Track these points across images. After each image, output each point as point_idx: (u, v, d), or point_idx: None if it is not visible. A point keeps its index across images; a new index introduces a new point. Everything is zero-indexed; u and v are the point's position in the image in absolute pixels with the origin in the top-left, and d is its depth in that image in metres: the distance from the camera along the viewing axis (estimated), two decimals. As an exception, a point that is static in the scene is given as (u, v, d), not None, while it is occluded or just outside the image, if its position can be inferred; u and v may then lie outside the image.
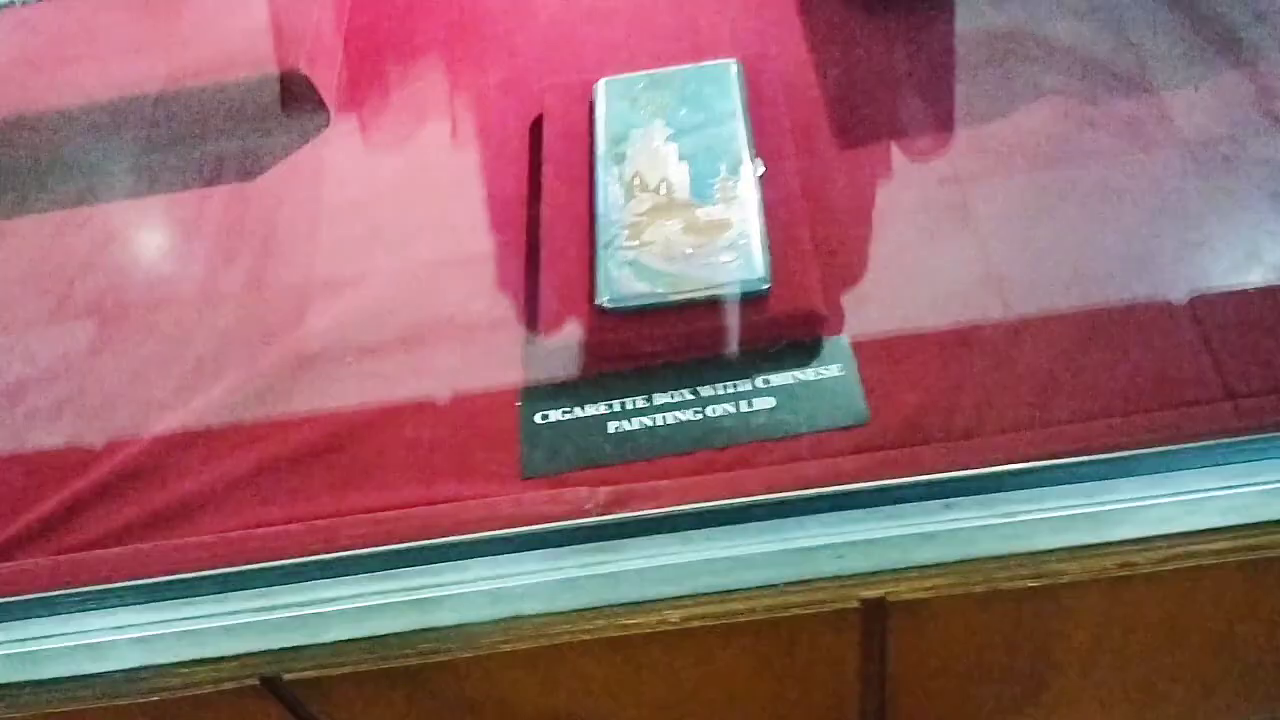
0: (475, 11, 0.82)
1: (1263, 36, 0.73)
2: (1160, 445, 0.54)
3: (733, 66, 0.71)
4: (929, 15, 0.76)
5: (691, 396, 0.58)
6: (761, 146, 0.68)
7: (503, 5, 0.82)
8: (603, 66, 0.74)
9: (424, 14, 0.82)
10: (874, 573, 0.54)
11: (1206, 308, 0.59)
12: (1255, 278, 0.61)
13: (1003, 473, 0.54)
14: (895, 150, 0.69)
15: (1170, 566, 0.54)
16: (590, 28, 0.79)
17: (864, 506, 0.53)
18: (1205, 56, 0.71)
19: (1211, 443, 0.53)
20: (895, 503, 0.54)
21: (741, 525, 0.53)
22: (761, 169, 0.66)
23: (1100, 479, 0.53)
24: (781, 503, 0.53)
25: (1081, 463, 0.54)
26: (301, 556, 0.51)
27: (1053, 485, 0.54)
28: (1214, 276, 0.62)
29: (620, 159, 0.67)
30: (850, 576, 0.54)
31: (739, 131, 0.67)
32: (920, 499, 0.53)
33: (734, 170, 0.65)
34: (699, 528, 0.53)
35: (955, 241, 0.64)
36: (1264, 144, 0.68)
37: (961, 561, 0.54)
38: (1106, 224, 0.65)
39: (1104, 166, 0.67)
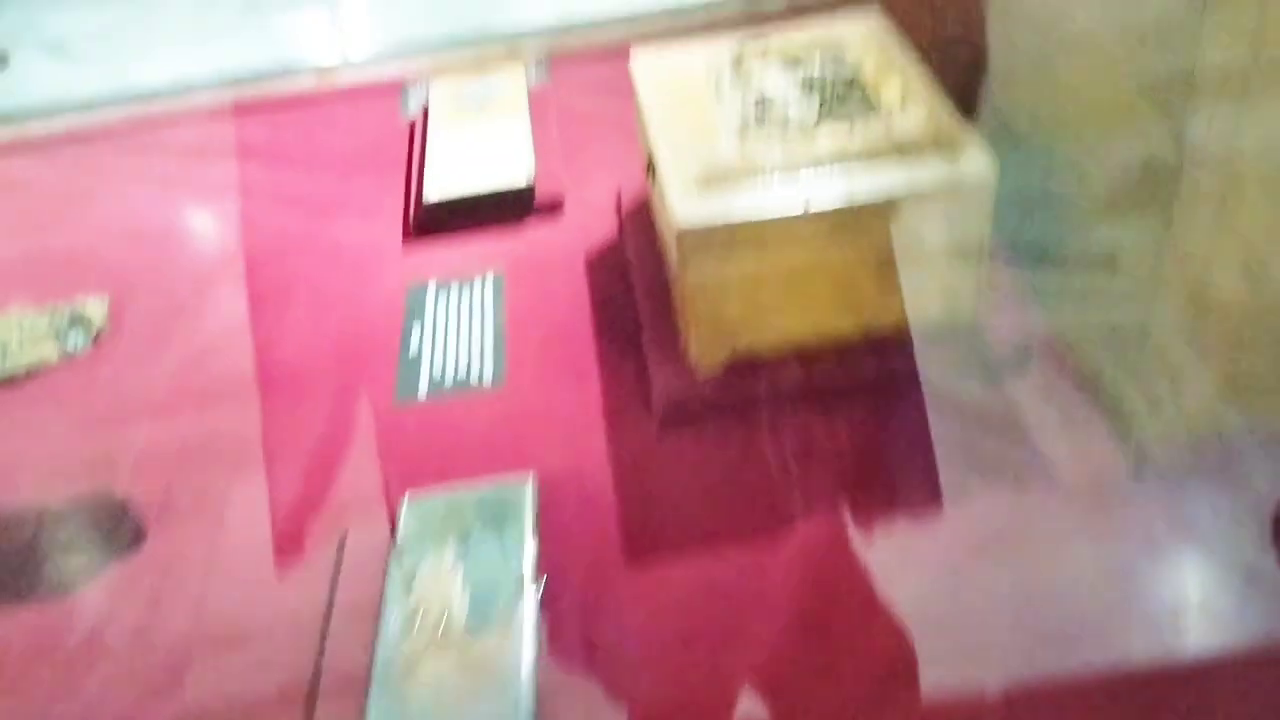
0: (294, 423, 0.86)
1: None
2: None
3: (529, 483, 0.75)
4: (730, 429, 0.80)
5: None
6: (550, 565, 0.70)
7: (318, 418, 0.86)
8: (412, 479, 0.78)
9: (252, 426, 0.87)
10: None
11: None
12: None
13: None
14: (684, 563, 0.72)
15: None
16: (407, 441, 0.83)
17: None
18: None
19: None
20: None
21: None
22: (542, 589, 0.68)
23: None
24: None
25: None
26: None
27: None
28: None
29: (408, 585, 0.69)
30: None
31: (526, 553, 0.70)
32: None
33: (516, 596, 0.67)
34: None
35: (733, 657, 0.66)
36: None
37: None
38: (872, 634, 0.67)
39: (871, 589, 0.70)
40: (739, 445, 0.79)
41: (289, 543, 0.76)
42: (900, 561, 0.71)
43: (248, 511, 0.79)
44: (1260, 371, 0.72)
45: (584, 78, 1.23)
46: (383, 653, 0.65)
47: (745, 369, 0.82)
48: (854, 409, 0.80)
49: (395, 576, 0.69)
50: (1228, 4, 0.58)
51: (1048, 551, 0.70)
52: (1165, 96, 0.63)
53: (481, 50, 1.33)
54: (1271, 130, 0.62)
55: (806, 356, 0.81)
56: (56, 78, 1.70)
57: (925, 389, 0.81)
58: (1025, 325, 0.85)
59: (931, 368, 0.82)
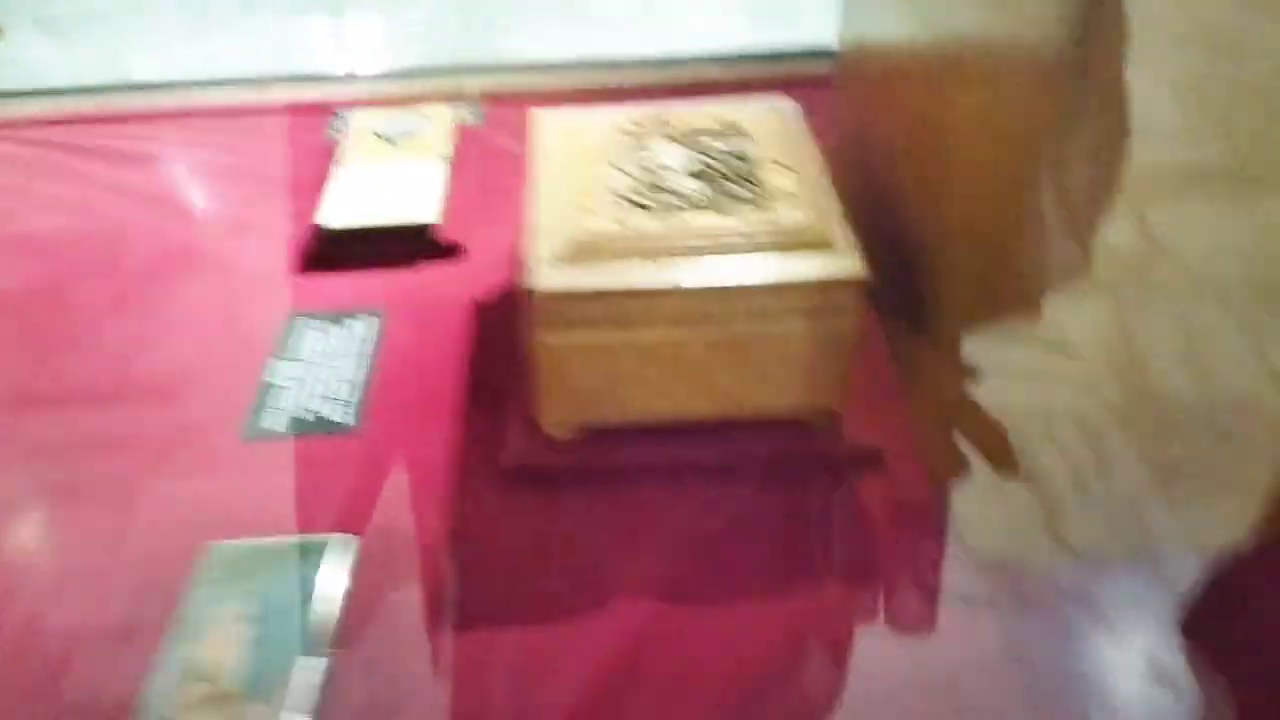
0: (132, 441, 0.83)
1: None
2: None
3: (343, 542, 0.71)
4: (575, 499, 0.78)
5: None
6: (359, 628, 0.67)
7: (158, 439, 0.83)
8: (236, 518, 0.75)
9: (85, 439, 0.84)
10: None
11: None
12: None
13: None
14: (501, 635, 0.69)
15: None
16: (244, 475, 0.80)
17: None
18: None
19: None
20: None
21: None
22: (333, 659, 0.64)
23: None
24: None
25: None
26: None
27: None
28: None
29: (194, 634, 0.65)
30: None
31: (326, 616, 0.67)
32: None
33: (302, 663, 0.64)
34: None
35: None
36: None
37: None
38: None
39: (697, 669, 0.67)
40: (581, 515, 0.77)
41: (92, 561, 0.73)
42: (733, 643, 0.69)
43: (63, 522, 0.76)
44: (1188, 463, 0.72)
45: (522, 124, 1.22)
46: (153, 700, 0.62)
47: (599, 440, 0.79)
48: (706, 489, 0.78)
49: (181, 623, 0.66)
50: (1204, 105, 0.57)
51: (944, 633, 0.69)
52: (1134, 189, 0.62)
53: (428, 83, 1.32)
54: (1230, 231, 0.61)
55: (661, 433, 0.79)
56: (43, 55, 1.68)
57: (780, 474, 0.79)
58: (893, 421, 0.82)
59: (787, 454, 0.80)
